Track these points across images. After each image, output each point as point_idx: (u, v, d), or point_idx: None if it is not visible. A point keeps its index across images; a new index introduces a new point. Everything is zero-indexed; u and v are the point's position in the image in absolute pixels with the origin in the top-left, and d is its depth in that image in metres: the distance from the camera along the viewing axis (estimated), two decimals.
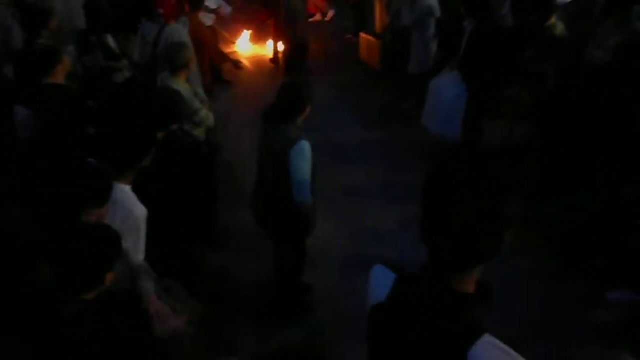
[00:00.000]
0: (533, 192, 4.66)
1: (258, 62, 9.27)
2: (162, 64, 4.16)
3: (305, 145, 3.05)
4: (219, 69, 7.41)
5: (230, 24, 9.69)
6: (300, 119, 3.16)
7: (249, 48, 9.71)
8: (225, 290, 4.01)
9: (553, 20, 4.69)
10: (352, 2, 9.52)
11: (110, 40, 6.60)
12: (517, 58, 4.92)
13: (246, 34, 9.74)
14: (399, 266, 1.50)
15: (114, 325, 1.82)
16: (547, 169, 4.77)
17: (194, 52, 4.29)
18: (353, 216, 4.91)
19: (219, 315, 3.66)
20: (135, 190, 2.53)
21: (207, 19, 6.97)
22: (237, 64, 7.16)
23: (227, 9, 7.68)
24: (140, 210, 2.47)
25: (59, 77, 3.62)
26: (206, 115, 3.97)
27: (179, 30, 4.70)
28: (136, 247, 2.48)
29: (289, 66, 7.95)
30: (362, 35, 8.56)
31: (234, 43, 9.58)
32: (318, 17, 10.77)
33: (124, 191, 2.46)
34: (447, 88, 5.16)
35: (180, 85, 3.84)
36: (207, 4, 6.80)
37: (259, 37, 9.80)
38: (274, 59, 8.84)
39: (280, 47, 8.61)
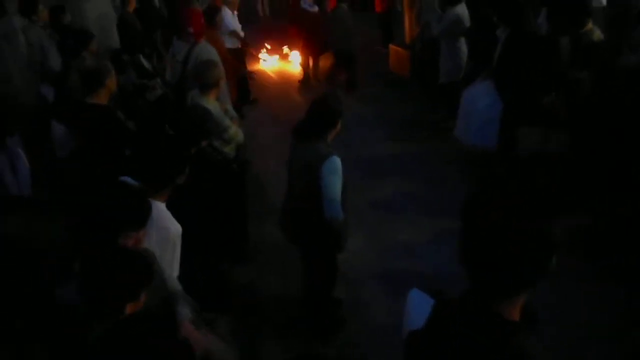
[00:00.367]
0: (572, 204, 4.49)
1: (285, 77, 9.32)
2: (192, 83, 4.19)
3: (336, 161, 3.01)
4: (246, 90, 7.42)
5: (256, 40, 9.81)
6: (332, 134, 3.13)
7: (275, 63, 9.77)
8: (253, 305, 3.99)
9: (590, 25, 4.56)
10: (378, 13, 9.51)
11: (143, 60, 6.80)
12: (553, 65, 4.79)
13: (271, 49, 9.81)
14: (436, 290, 1.44)
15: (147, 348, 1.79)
16: (582, 177, 4.62)
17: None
18: (384, 230, 4.82)
19: (246, 330, 3.62)
20: (166, 206, 2.54)
21: (230, 42, 6.98)
22: (250, 75, 7.22)
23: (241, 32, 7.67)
24: (176, 228, 2.48)
25: (102, 98, 3.65)
26: (235, 132, 3.97)
27: (209, 49, 4.73)
28: (171, 265, 2.48)
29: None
30: (392, 46, 8.53)
31: (259, 59, 9.66)
32: None
33: (160, 209, 2.46)
34: (480, 98, 5.05)
35: (210, 103, 3.85)
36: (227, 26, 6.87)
37: (286, 52, 9.87)
38: (304, 75, 8.86)
39: (303, 61, 8.68)
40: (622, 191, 4.19)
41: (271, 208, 4.98)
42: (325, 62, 8.81)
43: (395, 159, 6.15)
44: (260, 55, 9.67)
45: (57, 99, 5.19)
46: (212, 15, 5.83)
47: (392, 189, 5.51)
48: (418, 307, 1.40)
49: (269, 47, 9.87)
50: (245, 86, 7.31)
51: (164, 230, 2.42)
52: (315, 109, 3.08)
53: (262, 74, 9.34)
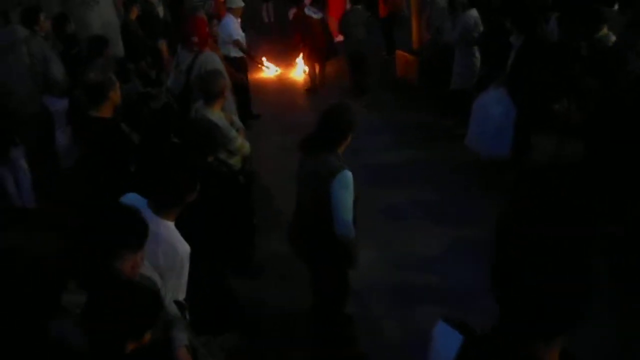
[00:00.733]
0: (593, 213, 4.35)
1: (290, 85, 9.23)
2: (197, 93, 4.08)
3: (348, 175, 2.88)
4: (247, 104, 7.24)
5: (261, 46, 9.73)
6: (342, 147, 3.00)
7: (280, 71, 9.68)
8: (260, 319, 3.88)
9: (605, 30, 4.44)
10: (382, 19, 9.40)
11: (146, 68, 6.73)
12: (566, 71, 4.68)
13: (275, 56, 9.72)
14: (460, 323, 1.32)
15: None
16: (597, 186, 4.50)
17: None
18: (396, 241, 4.70)
19: (253, 345, 3.55)
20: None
21: (234, 51, 6.86)
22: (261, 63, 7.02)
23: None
24: (184, 249, 2.38)
25: (106, 111, 3.54)
26: (242, 144, 3.85)
27: (213, 58, 4.61)
28: (175, 288, 2.39)
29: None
30: (399, 52, 8.41)
31: (263, 66, 9.56)
32: (340, 37, 10.66)
33: (168, 228, 2.37)
34: (493, 105, 4.94)
35: (215, 114, 3.74)
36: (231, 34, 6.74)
37: (291, 60, 9.77)
38: (310, 82, 8.74)
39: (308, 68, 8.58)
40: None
41: (277, 219, 4.89)
42: (331, 68, 8.73)
43: (405, 166, 6.04)
44: (264, 63, 9.58)
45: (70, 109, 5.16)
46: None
47: (403, 197, 5.39)
48: (446, 343, 1.30)
49: (272, 54, 9.77)
50: (246, 97, 7.11)
51: (172, 251, 2.33)
52: (325, 121, 2.95)
53: (266, 81, 9.24)
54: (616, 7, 5.87)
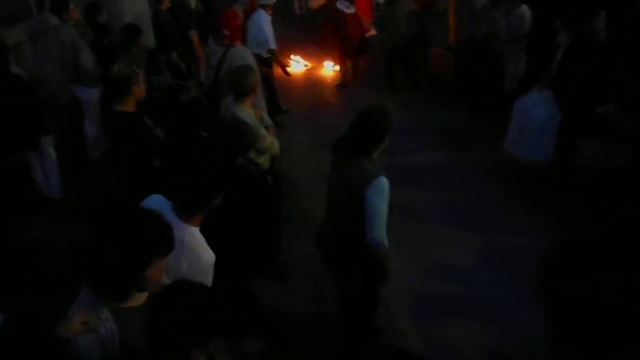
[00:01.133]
0: None
1: (320, 80, 9.05)
2: (226, 88, 3.94)
3: (384, 182, 2.70)
4: (275, 99, 6.97)
5: (292, 39, 9.56)
6: (378, 151, 2.82)
7: (309, 66, 9.50)
8: (284, 325, 3.76)
9: None
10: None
11: (177, 59, 6.64)
12: (613, 74, 4.42)
13: (306, 50, 9.55)
14: None
15: None
16: None
17: None
18: (425, 248, 4.51)
19: (276, 353, 3.45)
20: None
21: (264, 52, 6.45)
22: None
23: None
24: (209, 256, 2.26)
25: (129, 105, 3.48)
26: (271, 143, 3.70)
27: (244, 52, 4.42)
28: None
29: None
30: (434, 48, 8.14)
31: (290, 59, 9.38)
32: (372, 32, 10.36)
33: (192, 234, 2.25)
34: (536, 108, 4.68)
35: (245, 111, 3.60)
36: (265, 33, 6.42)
37: (321, 55, 9.57)
38: (341, 78, 8.54)
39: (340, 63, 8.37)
40: None
41: (305, 218, 4.76)
42: (362, 64, 8.53)
43: (437, 168, 5.83)
44: (293, 57, 9.40)
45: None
46: None
47: (434, 201, 5.19)
48: None
49: (302, 48, 9.59)
50: (272, 91, 6.82)
51: (195, 258, 2.20)
52: (361, 123, 2.77)
53: (295, 76, 9.09)
54: None
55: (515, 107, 4.98)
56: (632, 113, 4.42)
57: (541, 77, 4.75)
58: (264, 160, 3.73)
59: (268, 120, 3.87)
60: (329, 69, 9.30)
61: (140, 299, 1.84)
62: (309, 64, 9.49)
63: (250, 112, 3.64)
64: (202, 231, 2.32)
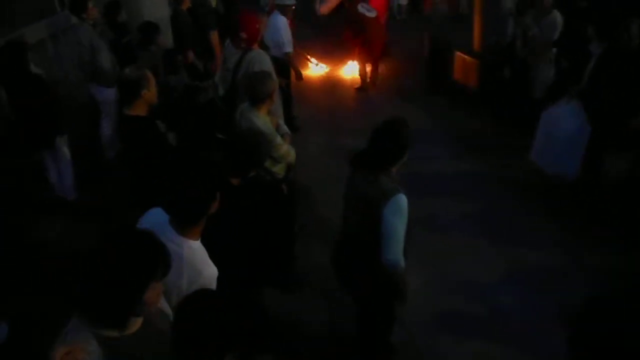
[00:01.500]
0: None
1: (340, 84, 8.90)
2: (242, 93, 3.82)
3: (402, 200, 2.56)
4: (289, 106, 6.71)
5: (310, 40, 9.42)
6: (397, 166, 2.68)
7: (328, 69, 9.36)
8: (297, 338, 3.65)
9: None
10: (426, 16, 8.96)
11: (195, 60, 6.55)
12: None
13: (324, 53, 9.39)
14: None
15: None
16: None
17: None
18: (444, 263, 4.36)
19: None
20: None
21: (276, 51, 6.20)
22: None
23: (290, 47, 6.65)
24: (210, 271, 2.17)
25: (139, 109, 3.34)
26: (287, 151, 3.58)
27: (262, 57, 4.27)
28: None
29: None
30: (458, 53, 7.92)
31: (309, 61, 9.23)
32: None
33: (192, 248, 2.15)
34: (564, 120, 4.49)
35: (261, 118, 3.48)
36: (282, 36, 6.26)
37: (341, 58, 9.41)
38: (362, 83, 8.41)
39: (360, 67, 8.18)
40: None
41: (320, 227, 4.65)
42: (381, 68, 8.36)
43: (458, 178, 5.65)
44: (311, 59, 9.25)
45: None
46: None
47: (454, 213, 5.02)
48: None
49: (322, 50, 9.44)
50: (288, 99, 6.51)
51: (196, 274, 2.11)
52: (380, 137, 2.62)
53: (314, 79, 8.94)
54: None
55: (542, 117, 4.80)
56: None
57: (571, 87, 4.55)
58: (279, 169, 3.61)
59: (284, 128, 3.75)
60: (348, 72, 9.15)
61: (136, 324, 1.75)
62: (328, 67, 9.35)
63: (265, 118, 3.52)
64: (206, 241, 2.24)
